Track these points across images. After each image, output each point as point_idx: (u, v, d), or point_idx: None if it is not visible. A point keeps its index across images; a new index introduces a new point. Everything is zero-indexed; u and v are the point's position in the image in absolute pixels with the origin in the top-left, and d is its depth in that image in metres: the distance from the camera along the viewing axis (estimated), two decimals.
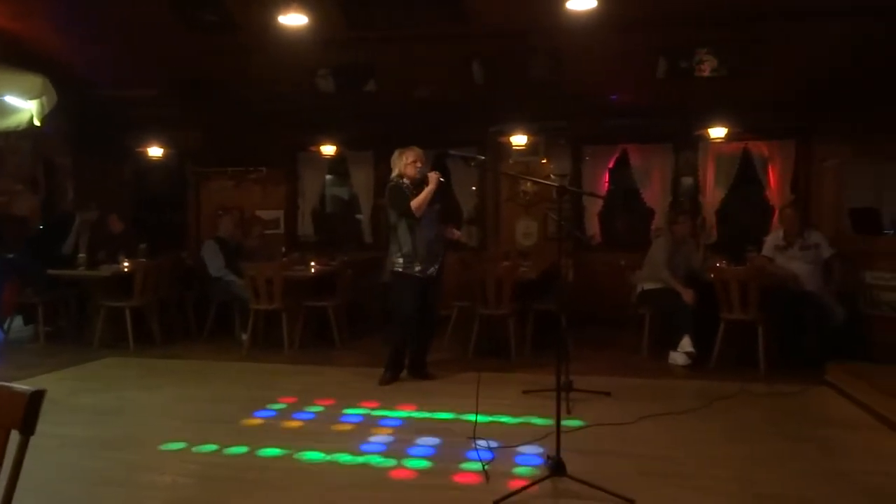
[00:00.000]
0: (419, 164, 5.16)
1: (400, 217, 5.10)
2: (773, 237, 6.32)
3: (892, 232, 6.49)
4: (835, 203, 7.40)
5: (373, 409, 4.63)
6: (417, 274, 5.11)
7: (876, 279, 5.93)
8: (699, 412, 4.49)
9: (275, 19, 5.46)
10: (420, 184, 5.09)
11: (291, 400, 4.89)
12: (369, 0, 6.29)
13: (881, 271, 5.88)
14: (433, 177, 5.01)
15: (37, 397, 1.46)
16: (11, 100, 5.64)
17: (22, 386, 1.49)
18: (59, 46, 7.03)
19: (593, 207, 8.36)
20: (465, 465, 3.53)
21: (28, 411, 1.45)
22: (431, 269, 5.17)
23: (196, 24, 6.66)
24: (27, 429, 1.46)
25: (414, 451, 3.80)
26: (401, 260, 5.12)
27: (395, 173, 5.21)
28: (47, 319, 7.05)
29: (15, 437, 1.48)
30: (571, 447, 3.46)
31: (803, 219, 6.48)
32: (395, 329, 5.34)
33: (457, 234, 5.34)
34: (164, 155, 9.05)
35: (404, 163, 5.16)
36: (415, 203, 4.98)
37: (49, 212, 8.32)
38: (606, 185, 8.37)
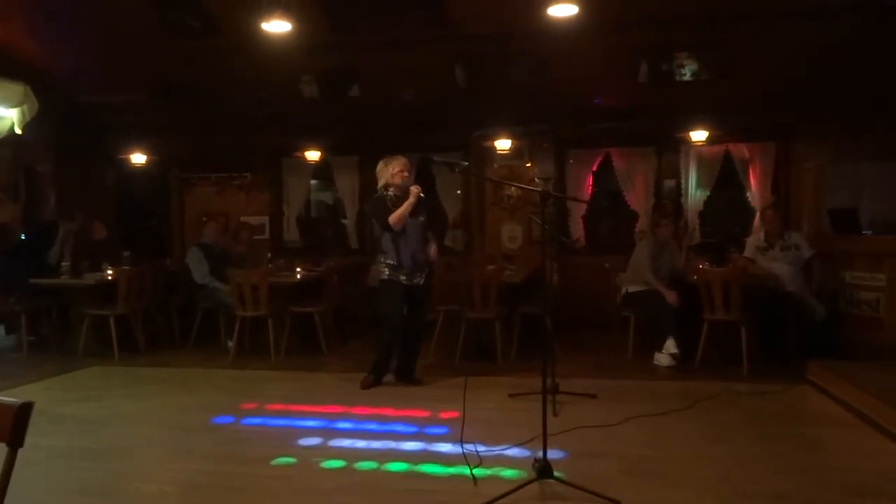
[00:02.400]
0: (405, 174, 5.18)
1: (382, 230, 5.15)
2: (755, 238, 6.41)
3: (870, 232, 6.58)
4: (814, 204, 7.50)
5: (360, 413, 4.64)
6: (403, 281, 5.16)
7: (855, 279, 6.02)
8: (684, 412, 4.54)
9: (258, 25, 5.46)
10: (407, 193, 5.11)
11: (278, 406, 4.89)
12: (352, 6, 6.30)
13: (860, 271, 5.97)
14: (413, 191, 5.04)
15: (25, 410, 1.47)
16: None
17: (10, 398, 1.49)
18: (40, 52, 6.97)
19: (578, 211, 8.41)
20: (453, 469, 3.55)
21: (16, 424, 1.45)
22: (417, 279, 5.22)
23: (179, 30, 6.63)
24: (15, 441, 1.46)
25: (401, 455, 3.81)
26: (386, 270, 5.19)
27: (381, 183, 5.24)
28: (30, 328, 6.98)
29: (2, 449, 1.48)
30: (558, 449, 3.48)
31: (784, 220, 6.57)
32: (383, 335, 5.37)
33: (432, 254, 5.31)
34: (147, 161, 9.00)
35: (390, 172, 5.18)
36: (393, 218, 5.02)
37: (30, 220, 8.23)
38: (590, 188, 8.43)
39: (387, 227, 5.06)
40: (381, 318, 5.47)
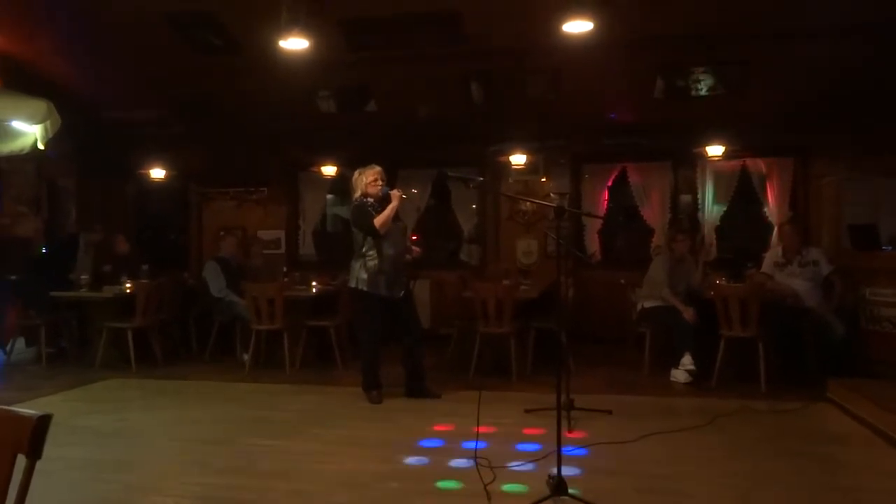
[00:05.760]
0: (381, 183, 5.26)
1: (365, 235, 5.21)
2: (773, 254, 6.35)
3: (890, 248, 6.50)
4: (833, 219, 7.43)
5: (373, 427, 4.63)
6: (384, 294, 5.20)
7: (875, 295, 5.93)
8: (700, 430, 4.49)
9: (276, 42, 5.53)
10: (383, 201, 5.20)
11: (292, 420, 4.90)
12: (368, 22, 6.37)
13: (880, 287, 5.89)
14: (395, 194, 5.13)
15: (44, 422, 1.48)
16: (16, 124, 5.70)
17: (29, 410, 1.51)
18: (63, 69, 7.12)
19: (593, 225, 8.40)
20: (467, 485, 3.53)
21: (35, 435, 1.46)
22: (397, 290, 5.27)
23: (199, 47, 6.75)
24: (34, 453, 1.47)
25: (414, 470, 3.80)
26: (365, 276, 5.20)
27: (357, 193, 5.31)
28: (49, 341, 7.06)
29: (21, 461, 1.49)
30: (573, 466, 3.45)
31: (802, 235, 6.51)
32: (363, 348, 5.41)
33: (416, 250, 5.51)
34: (167, 176, 9.13)
35: (365, 182, 5.28)
36: (378, 220, 5.08)
37: (52, 234, 8.36)
38: (606, 203, 8.42)
39: (372, 230, 5.12)
40: (357, 332, 5.60)
